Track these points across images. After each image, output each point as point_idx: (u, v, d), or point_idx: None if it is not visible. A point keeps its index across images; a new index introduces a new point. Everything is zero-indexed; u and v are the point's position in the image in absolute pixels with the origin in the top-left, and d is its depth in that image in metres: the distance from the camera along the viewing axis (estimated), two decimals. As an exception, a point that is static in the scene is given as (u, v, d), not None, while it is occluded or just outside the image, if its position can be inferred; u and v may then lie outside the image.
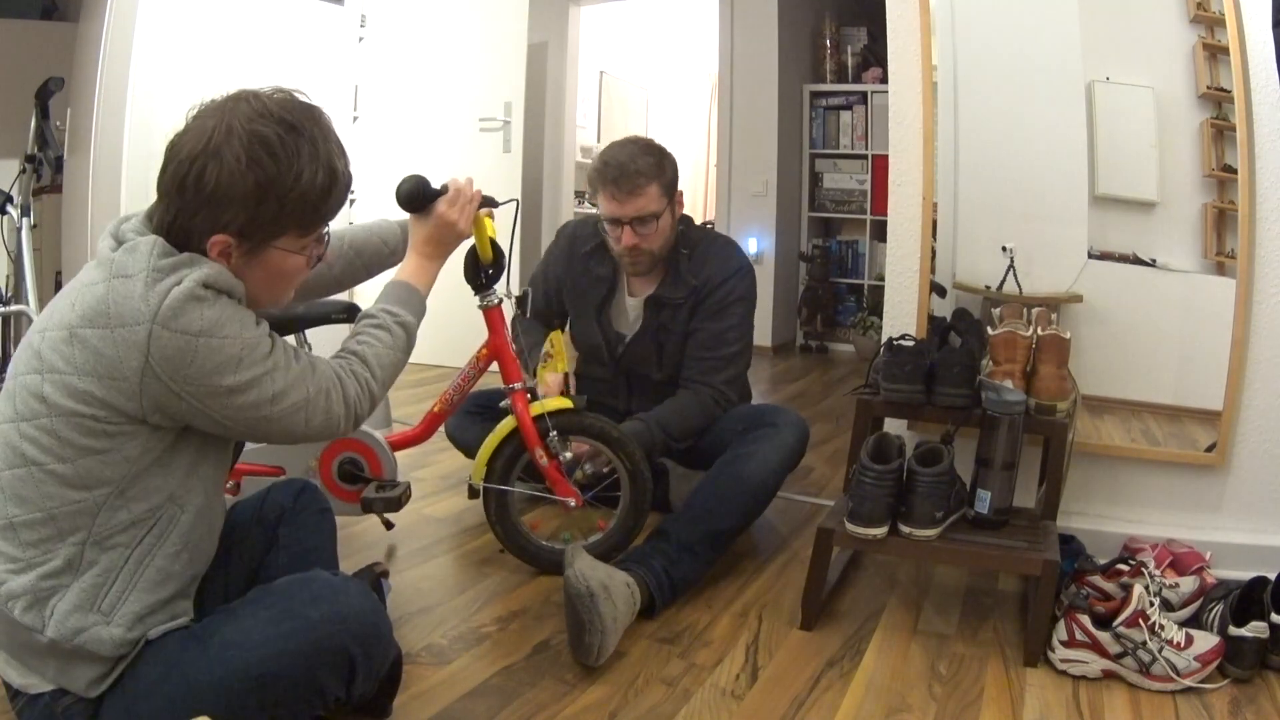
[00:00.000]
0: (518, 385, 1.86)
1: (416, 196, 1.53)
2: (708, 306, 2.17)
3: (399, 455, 1.98)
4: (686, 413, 2.14)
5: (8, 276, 2.90)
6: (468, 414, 2.27)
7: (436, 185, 1.56)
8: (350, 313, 1.99)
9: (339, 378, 1.18)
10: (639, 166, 2.05)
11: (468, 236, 1.58)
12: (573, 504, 1.90)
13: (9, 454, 1.02)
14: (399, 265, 1.48)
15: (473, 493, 1.92)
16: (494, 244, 1.80)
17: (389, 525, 2.03)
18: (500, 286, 1.92)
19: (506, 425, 1.90)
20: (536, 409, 1.86)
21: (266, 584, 1.16)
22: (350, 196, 3.65)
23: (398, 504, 1.87)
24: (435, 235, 1.50)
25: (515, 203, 1.83)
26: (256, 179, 1.03)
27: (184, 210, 1.04)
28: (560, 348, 1.99)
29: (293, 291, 1.20)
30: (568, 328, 2.44)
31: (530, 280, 2.41)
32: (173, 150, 1.05)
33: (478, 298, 1.86)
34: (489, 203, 1.69)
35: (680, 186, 2.19)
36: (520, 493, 1.99)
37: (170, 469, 1.07)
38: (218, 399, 1.04)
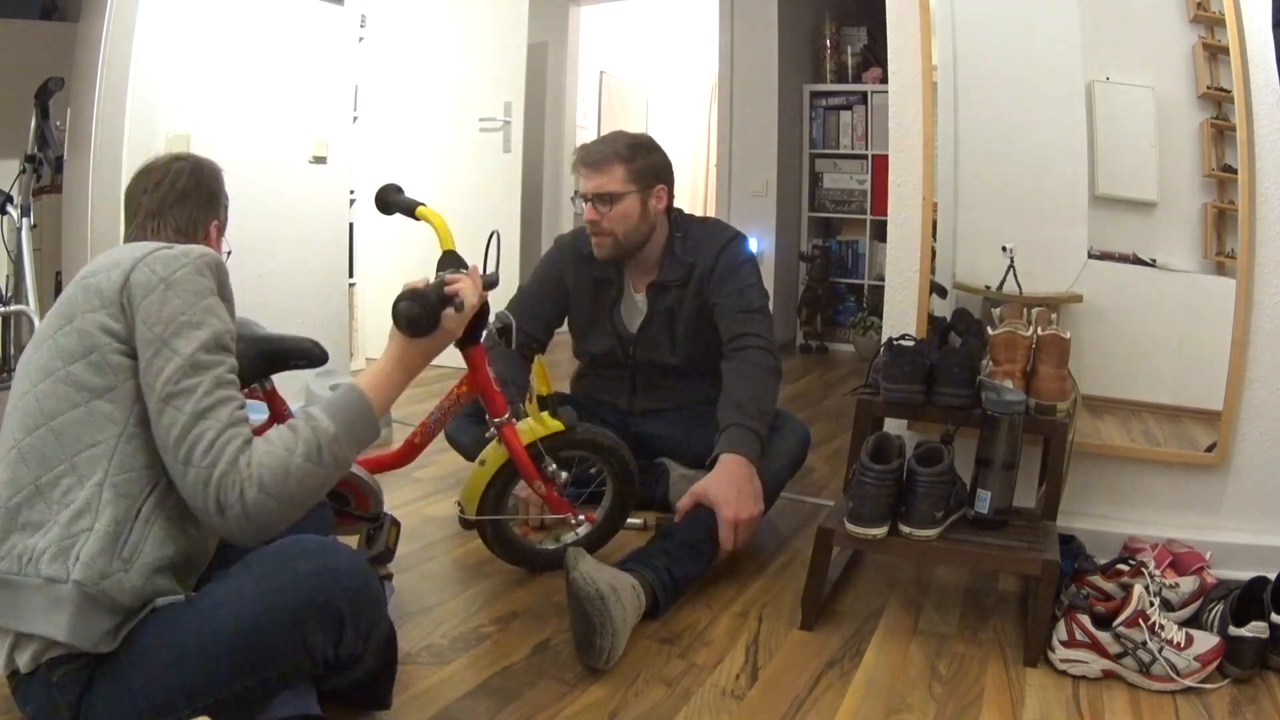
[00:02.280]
0: (504, 418, 1.76)
1: (423, 322, 1.31)
2: (717, 277, 2.20)
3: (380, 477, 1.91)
4: (756, 382, 2.06)
5: (8, 276, 2.90)
6: (466, 416, 2.27)
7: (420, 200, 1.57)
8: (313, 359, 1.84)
9: (235, 459, 1.08)
10: (609, 149, 2.15)
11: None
12: (574, 520, 1.91)
13: (28, 420, 1.11)
14: (369, 368, 1.30)
15: (465, 524, 1.88)
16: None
17: (388, 577, 1.81)
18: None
19: (498, 459, 1.82)
20: (528, 435, 1.80)
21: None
22: (350, 197, 3.65)
23: (390, 555, 1.74)
24: (432, 349, 1.35)
25: (495, 235, 1.73)
26: (217, 177, 1.43)
27: (195, 208, 1.37)
28: (541, 375, 1.90)
29: None
30: (573, 341, 2.45)
31: (521, 294, 2.38)
32: (168, 171, 1.38)
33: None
34: (490, 284, 1.56)
35: (675, 187, 2.24)
36: (514, 520, 1.97)
37: None
38: (149, 346, 1.10)
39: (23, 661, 1.06)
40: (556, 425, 1.84)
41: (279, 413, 1.82)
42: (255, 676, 1.09)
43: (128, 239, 1.34)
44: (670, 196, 2.24)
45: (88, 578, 1.03)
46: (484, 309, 1.58)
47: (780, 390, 2.17)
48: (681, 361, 2.28)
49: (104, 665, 1.07)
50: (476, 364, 1.70)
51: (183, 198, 1.36)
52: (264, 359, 1.73)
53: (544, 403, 1.85)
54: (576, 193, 2.23)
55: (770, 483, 1.99)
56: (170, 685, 1.06)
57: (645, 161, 2.17)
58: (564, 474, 1.83)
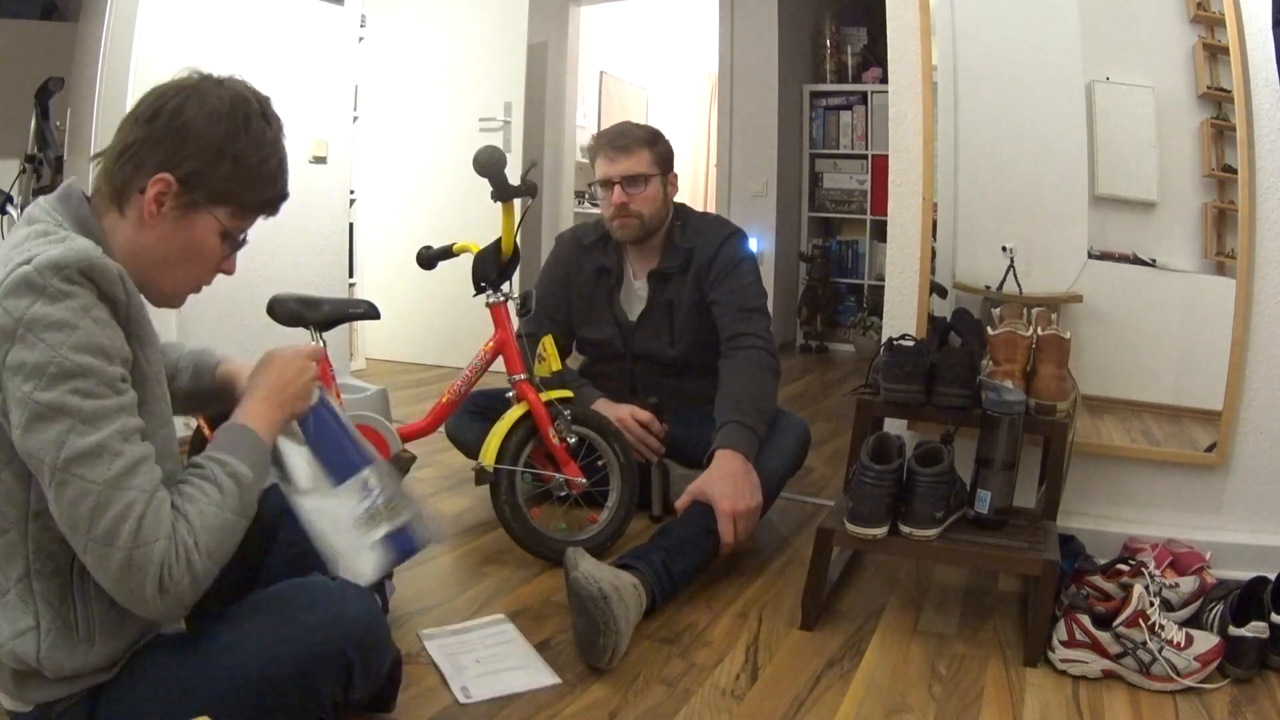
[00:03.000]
0: (523, 375, 2.00)
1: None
2: (715, 273, 2.24)
3: (409, 446, 2.09)
4: (754, 380, 2.08)
5: (8, 276, 2.89)
6: (468, 414, 2.27)
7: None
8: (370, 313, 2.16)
9: (163, 519, 0.94)
10: (633, 132, 2.26)
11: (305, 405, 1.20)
12: (581, 481, 1.99)
13: None
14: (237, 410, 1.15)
15: (481, 477, 1.95)
16: (515, 241, 1.99)
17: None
18: (505, 286, 2.08)
19: (516, 411, 1.99)
20: (545, 396, 1.98)
21: (264, 589, 1.15)
22: (350, 196, 3.64)
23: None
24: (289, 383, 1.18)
25: (528, 199, 2.00)
26: (227, 132, 1.03)
27: (147, 139, 1.02)
28: (552, 350, 2.05)
29: (195, 289, 1.12)
30: (574, 334, 2.46)
31: (538, 304, 2.37)
32: (156, 87, 1.05)
33: (487, 294, 2.04)
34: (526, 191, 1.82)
35: (680, 182, 2.34)
36: (528, 474, 2.03)
37: None
38: (22, 407, 0.90)
39: (21, 704, 1.03)
40: (566, 393, 2.03)
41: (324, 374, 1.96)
42: (262, 718, 1.06)
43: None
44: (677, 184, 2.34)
45: (58, 669, 0.98)
46: (515, 255, 1.99)
47: (780, 389, 2.17)
48: (680, 354, 2.29)
49: (105, 696, 1.04)
50: (502, 321, 1.99)
51: (138, 123, 1.04)
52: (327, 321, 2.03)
53: (551, 382, 2.03)
54: (594, 182, 2.29)
55: (770, 480, 1.99)
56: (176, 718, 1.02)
57: (664, 147, 2.28)
58: (573, 439, 1.98)
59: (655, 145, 2.25)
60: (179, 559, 0.94)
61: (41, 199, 1.04)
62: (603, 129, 2.33)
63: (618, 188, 2.21)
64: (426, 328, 4.23)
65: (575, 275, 2.37)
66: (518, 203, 2.07)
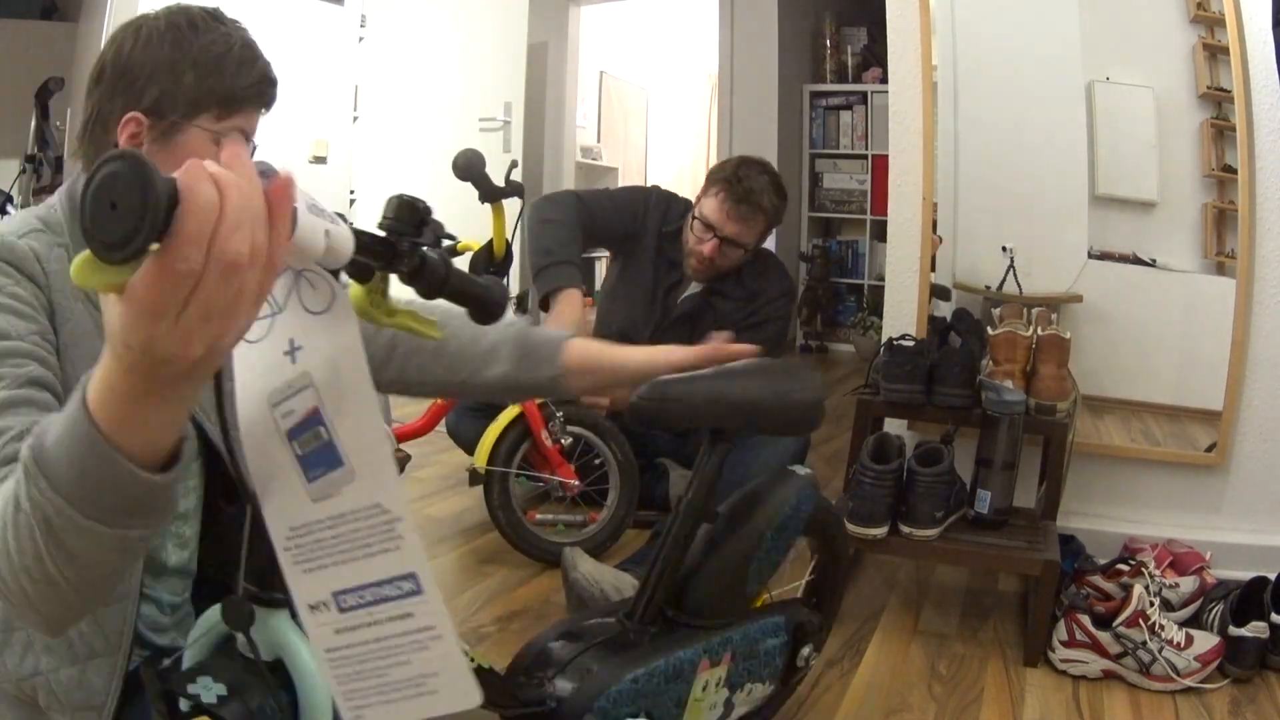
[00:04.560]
0: None
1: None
2: (751, 320, 2.21)
3: (405, 446, 2.05)
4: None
5: (8, 276, 2.90)
6: (468, 411, 2.28)
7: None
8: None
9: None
10: (766, 203, 2.10)
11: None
12: (575, 484, 1.99)
13: None
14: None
15: (474, 478, 1.96)
16: (506, 241, 1.90)
17: None
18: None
19: (510, 413, 1.98)
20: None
21: None
22: (350, 196, 3.64)
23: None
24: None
25: (520, 202, 1.89)
26: (174, 42, 0.92)
27: (103, 96, 0.92)
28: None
29: None
30: (600, 304, 2.44)
31: (589, 195, 2.36)
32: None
33: None
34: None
35: (680, 182, 2.29)
36: (521, 475, 2.04)
37: None
38: None
39: None
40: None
41: None
42: None
43: None
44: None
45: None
46: (508, 256, 1.99)
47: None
48: None
49: None
50: None
51: (89, 95, 0.94)
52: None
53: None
54: (698, 214, 2.14)
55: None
56: None
57: (779, 219, 2.19)
58: (568, 440, 1.94)
59: (776, 219, 2.17)
60: None
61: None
62: (741, 165, 2.15)
63: (715, 242, 2.10)
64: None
65: (639, 241, 2.28)
66: (507, 203, 2.06)
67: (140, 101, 0.91)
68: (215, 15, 0.96)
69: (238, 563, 0.90)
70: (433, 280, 0.68)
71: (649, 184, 2.38)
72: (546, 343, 1.02)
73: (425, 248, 0.67)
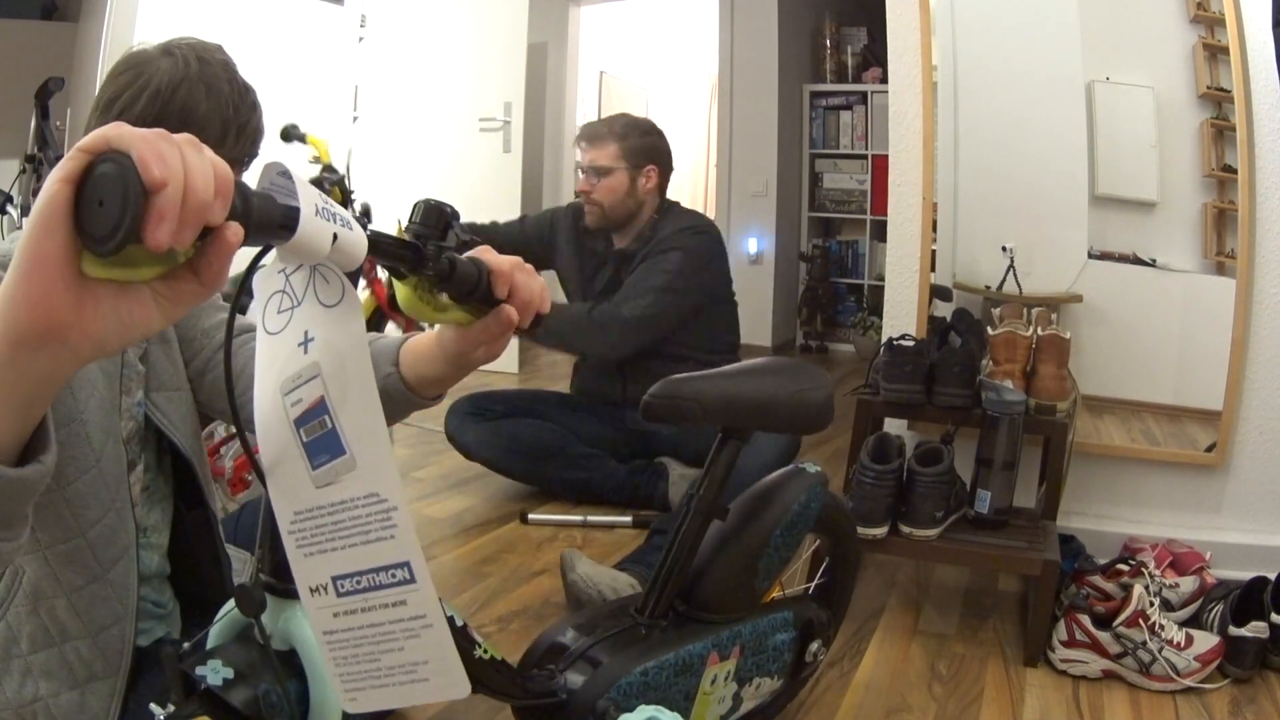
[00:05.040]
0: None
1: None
2: (651, 250, 2.29)
3: None
4: (568, 314, 2.21)
5: (8, 276, 2.89)
6: (468, 415, 2.28)
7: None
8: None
9: None
10: (607, 126, 2.35)
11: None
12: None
13: None
14: None
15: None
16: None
17: None
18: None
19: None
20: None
21: None
22: (350, 196, 3.65)
23: None
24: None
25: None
26: (235, 105, 1.00)
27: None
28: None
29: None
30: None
31: (508, 224, 2.55)
32: (129, 87, 0.97)
33: None
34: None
35: (679, 181, 2.41)
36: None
37: None
38: None
39: None
40: None
41: None
42: None
43: None
44: (662, 178, 2.35)
45: None
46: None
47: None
48: (655, 350, 2.29)
49: None
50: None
51: (156, 120, 0.95)
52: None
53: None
54: (578, 164, 2.41)
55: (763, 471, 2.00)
56: None
57: (639, 142, 2.32)
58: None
59: (626, 139, 2.31)
60: None
61: None
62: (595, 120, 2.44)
63: (583, 176, 2.33)
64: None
65: (563, 241, 2.45)
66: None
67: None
68: (237, 69, 1.03)
69: (200, 565, 0.90)
70: (464, 284, 0.69)
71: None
72: (388, 345, 0.99)
73: (452, 252, 0.68)
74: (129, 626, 0.94)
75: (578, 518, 2.18)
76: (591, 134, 2.35)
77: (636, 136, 2.33)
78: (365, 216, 2.24)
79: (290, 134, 2.42)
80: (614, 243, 2.39)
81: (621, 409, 2.38)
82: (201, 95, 0.97)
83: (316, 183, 2.18)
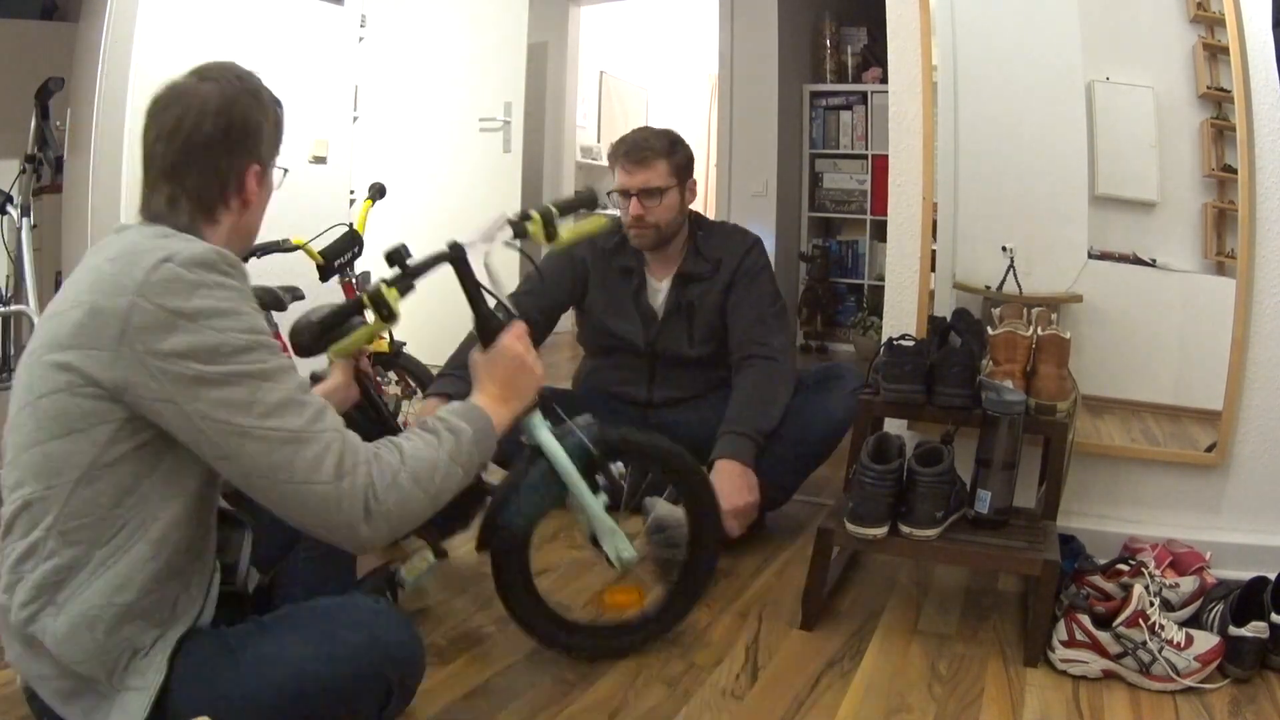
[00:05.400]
0: None
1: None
2: (739, 281, 2.27)
3: None
4: (758, 393, 2.15)
5: (8, 277, 2.90)
6: None
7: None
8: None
9: (360, 449, 1.05)
10: (650, 143, 2.22)
11: (540, 381, 1.36)
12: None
13: (9, 450, 1.03)
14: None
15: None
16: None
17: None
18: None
19: None
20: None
21: (301, 603, 1.16)
22: (350, 197, 3.64)
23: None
24: (506, 374, 1.33)
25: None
26: (272, 106, 1.17)
27: (227, 154, 1.11)
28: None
29: None
30: (583, 330, 2.47)
31: (526, 279, 2.37)
32: (187, 112, 1.09)
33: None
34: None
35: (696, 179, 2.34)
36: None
37: (144, 469, 1.02)
38: (189, 387, 0.97)
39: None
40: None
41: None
42: None
43: (141, 206, 1.12)
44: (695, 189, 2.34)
45: (18, 620, 1.01)
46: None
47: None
48: (699, 354, 2.31)
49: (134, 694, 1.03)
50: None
51: (206, 150, 1.09)
52: None
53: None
54: (613, 190, 2.27)
55: (799, 448, 2.16)
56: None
57: (683, 155, 2.28)
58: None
59: (673, 155, 2.23)
60: (382, 481, 1.04)
61: (129, 221, 1.12)
62: (623, 135, 2.29)
63: (634, 200, 2.21)
64: (426, 325, 4.23)
65: (594, 272, 2.36)
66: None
67: (258, 154, 1.14)
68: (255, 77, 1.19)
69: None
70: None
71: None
72: None
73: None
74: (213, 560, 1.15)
75: None
76: (639, 155, 2.21)
77: (679, 150, 2.27)
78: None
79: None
80: (647, 258, 2.33)
81: (643, 405, 2.39)
82: (253, 105, 1.13)
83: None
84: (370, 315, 1.35)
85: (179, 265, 0.98)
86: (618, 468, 1.52)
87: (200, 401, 0.97)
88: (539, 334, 2.34)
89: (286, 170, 1.26)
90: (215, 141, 1.09)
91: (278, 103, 1.19)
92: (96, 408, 0.99)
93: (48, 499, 1.00)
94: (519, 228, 1.48)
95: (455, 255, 1.37)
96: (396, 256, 1.34)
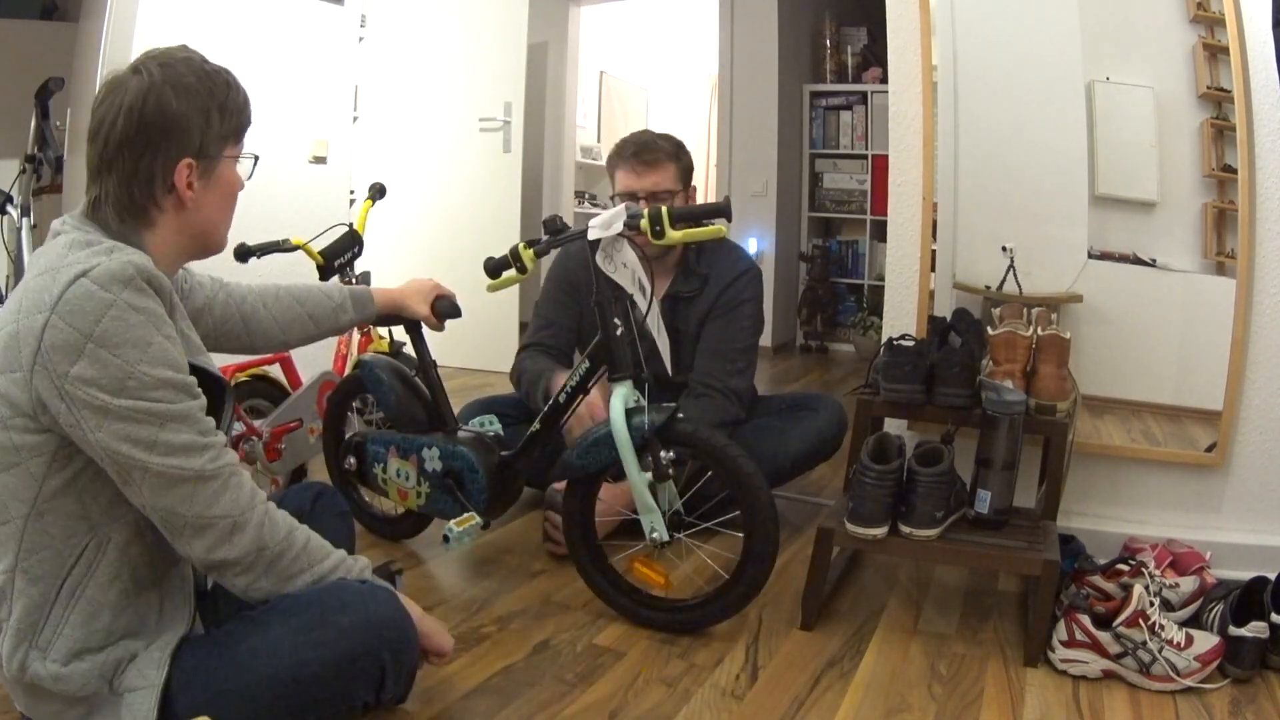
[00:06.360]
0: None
1: None
2: (719, 307, 2.21)
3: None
4: (707, 416, 2.09)
5: (8, 277, 2.90)
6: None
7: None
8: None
9: (257, 495, 1.09)
10: (660, 145, 2.17)
11: None
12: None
13: None
14: None
15: None
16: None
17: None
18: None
19: None
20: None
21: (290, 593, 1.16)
22: (350, 197, 3.64)
23: None
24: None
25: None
26: (207, 91, 1.08)
27: (145, 152, 1.05)
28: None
29: (231, 219, 1.19)
30: (579, 346, 2.43)
31: (539, 314, 2.35)
32: (108, 110, 1.05)
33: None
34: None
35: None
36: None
37: (86, 495, 1.02)
38: (94, 415, 0.96)
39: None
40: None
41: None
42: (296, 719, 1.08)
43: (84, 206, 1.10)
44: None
45: (11, 672, 1.01)
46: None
47: (780, 390, 2.18)
48: (682, 378, 2.22)
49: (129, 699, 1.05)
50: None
51: (120, 149, 1.05)
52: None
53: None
54: (615, 194, 2.19)
55: (783, 461, 2.16)
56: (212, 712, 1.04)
57: (687, 160, 2.23)
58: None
59: (680, 159, 2.18)
60: (254, 535, 1.06)
61: (67, 216, 1.08)
62: (625, 138, 2.22)
63: (643, 203, 2.11)
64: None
65: (585, 290, 2.25)
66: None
67: (188, 148, 1.07)
68: (202, 58, 1.12)
69: None
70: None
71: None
72: (363, 292, 1.70)
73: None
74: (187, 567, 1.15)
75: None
76: (650, 156, 2.14)
77: (685, 155, 2.21)
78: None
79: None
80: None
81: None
82: (170, 96, 1.05)
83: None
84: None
85: (92, 281, 0.96)
86: (668, 455, 1.62)
87: (103, 432, 0.97)
88: (575, 340, 2.34)
89: (258, 158, 1.19)
90: (129, 139, 1.04)
91: (212, 80, 1.09)
92: (27, 441, 0.98)
93: (2, 539, 1.00)
94: (633, 222, 1.65)
95: (582, 238, 1.69)
96: (551, 224, 1.75)
